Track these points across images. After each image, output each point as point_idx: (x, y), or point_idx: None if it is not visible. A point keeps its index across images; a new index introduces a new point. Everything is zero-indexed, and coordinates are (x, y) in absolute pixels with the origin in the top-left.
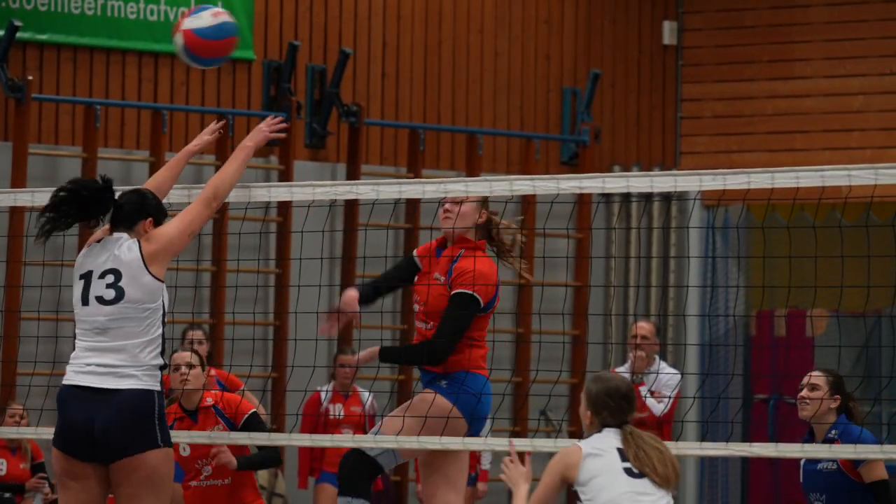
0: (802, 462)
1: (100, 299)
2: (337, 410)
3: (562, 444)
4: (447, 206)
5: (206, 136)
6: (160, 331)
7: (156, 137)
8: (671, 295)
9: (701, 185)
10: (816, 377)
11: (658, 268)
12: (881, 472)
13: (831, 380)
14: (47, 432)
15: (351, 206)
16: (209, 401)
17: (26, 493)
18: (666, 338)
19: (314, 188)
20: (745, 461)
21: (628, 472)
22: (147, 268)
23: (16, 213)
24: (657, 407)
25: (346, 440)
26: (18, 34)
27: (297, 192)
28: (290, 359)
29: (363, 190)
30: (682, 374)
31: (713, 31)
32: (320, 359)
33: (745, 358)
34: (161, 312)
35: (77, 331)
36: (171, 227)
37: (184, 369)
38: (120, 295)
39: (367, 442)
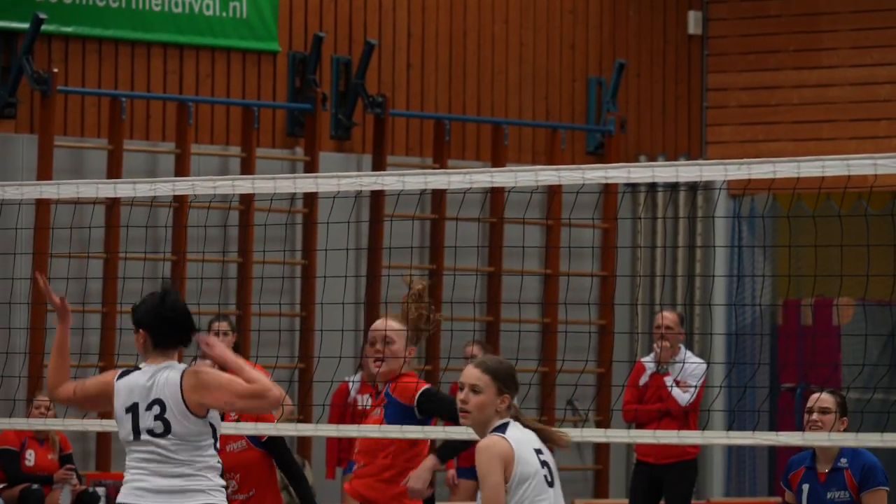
0: (805, 488)
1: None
2: (365, 401)
3: (588, 434)
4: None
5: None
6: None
7: (181, 129)
8: (697, 284)
9: (727, 175)
10: (826, 400)
11: (684, 257)
12: None
13: (839, 401)
14: (74, 424)
15: (377, 196)
16: None
17: (54, 485)
18: (692, 327)
19: (340, 179)
20: (773, 450)
21: (547, 481)
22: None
23: (42, 205)
24: (683, 397)
25: (372, 430)
26: (44, 27)
27: (322, 183)
28: (316, 349)
29: (389, 181)
30: (709, 363)
31: (738, 21)
32: (346, 349)
33: (771, 347)
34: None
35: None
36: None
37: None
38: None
39: (392, 433)
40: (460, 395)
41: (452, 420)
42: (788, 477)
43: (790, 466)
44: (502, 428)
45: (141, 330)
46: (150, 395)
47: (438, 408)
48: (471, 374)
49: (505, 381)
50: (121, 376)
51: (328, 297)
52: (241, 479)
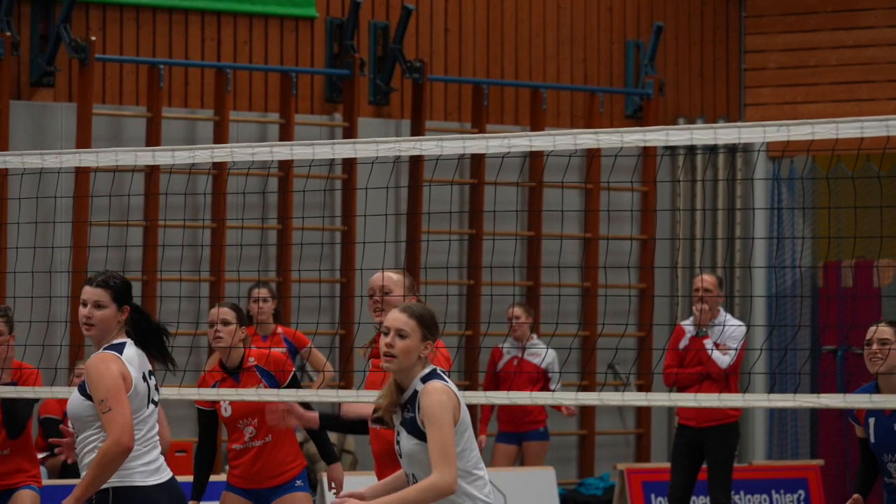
0: (872, 421)
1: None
2: None
3: (629, 398)
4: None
5: None
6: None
7: (220, 96)
8: (737, 247)
9: (765, 137)
10: (884, 331)
11: (724, 220)
12: None
13: None
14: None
15: (415, 161)
16: (251, 360)
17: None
18: (733, 290)
19: (378, 145)
20: (814, 412)
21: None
22: None
23: (81, 173)
24: (723, 359)
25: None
26: None
27: (361, 148)
28: (356, 315)
29: (427, 146)
30: (749, 325)
31: None
32: None
33: (812, 309)
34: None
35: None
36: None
37: (218, 326)
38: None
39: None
40: (385, 340)
41: None
42: (854, 412)
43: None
44: (433, 376)
45: (126, 306)
46: (146, 365)
47: None
48: (397, 318)
49: (429, 327)
50: (118, 353)
51: (368, 262)
52: (259, 425)
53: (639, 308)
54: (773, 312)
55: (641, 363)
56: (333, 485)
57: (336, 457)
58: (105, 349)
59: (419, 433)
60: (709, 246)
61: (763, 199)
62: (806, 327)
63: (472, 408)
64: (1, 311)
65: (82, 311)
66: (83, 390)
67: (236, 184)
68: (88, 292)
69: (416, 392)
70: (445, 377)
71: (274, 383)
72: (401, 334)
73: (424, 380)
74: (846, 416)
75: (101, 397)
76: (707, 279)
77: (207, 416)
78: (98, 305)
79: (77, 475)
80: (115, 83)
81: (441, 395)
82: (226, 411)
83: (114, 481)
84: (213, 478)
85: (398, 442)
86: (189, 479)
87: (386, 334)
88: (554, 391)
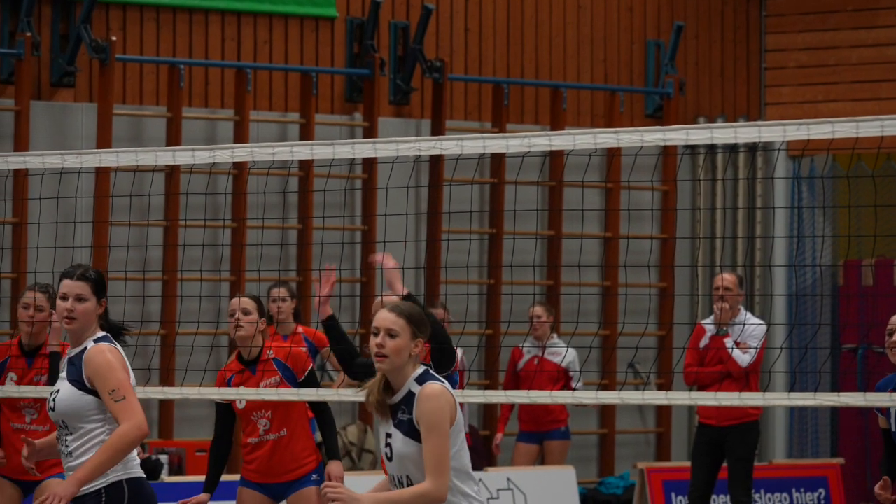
0: (893, 411)
1: None
2: None
3: (650, 397)
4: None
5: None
6: None
7: (240, 96)
8: (758, 246)
9: (785, 136)
10: None
11: (744, 219)
12: None
13: None
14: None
15: (436, 161)
16: (270, 353)
17: None
18: (753, 288)
19: (398, 144)
20: (835, 411)
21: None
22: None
23: (101, 173)
24: (743, 358)
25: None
26: None
27: (381, 148)
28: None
29: (448, 145)
30: (770, 324)
31: None
32: None
33: (832, 307)
34: None
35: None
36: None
37: (239, 315)
38: None
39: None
40: (376, 340)
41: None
42: None
43: (876, 390)
44: (427, 376)
45: (104, 300)
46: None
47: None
48: (386, 318)
49: (419, 325)
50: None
51: None
52: (273, 417)
53: (659, 307)
54: (793, 311)
55: (662, 362)
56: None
57: (338, 454)
58: (97, 342)
59: (416, 434)
60: (729, 245)
61: (783, 197)
62: (826, 326)
63: (492, 407)
64: (42, 287)
65: (62, 304)
66: (80, 385)
67: (256, 183)
68: (69, 285)
69: (410, 393)
70: (439, 377)
71: (291, 377)
72: (391, 334)
73: (420, 381)
74: (866, 415)
75: (111, 387)
76: (727, 278)
77: (224, 409)
78: (79, 299)
79: None
80: (135, 83)
81: (441, 401)
82: (240, 403)
83: (121, 473)
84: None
85: (388, 445)
86: None
87: (376, 335)
88: (575, 389)
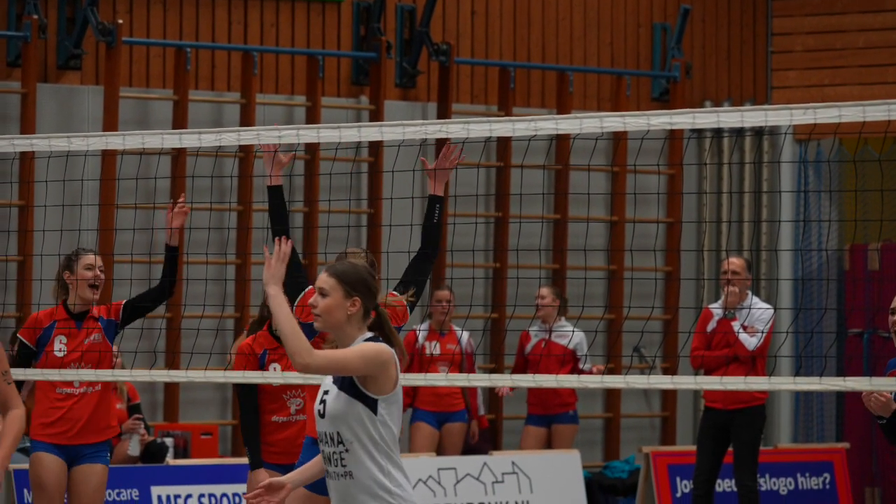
0: None
1: None
2: (433, 347)
3: (655, 381)
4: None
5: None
6: None
7: (246, 79)
8: (764, 230)
9: (792, 120)
10: None
11: (750, 203)
12: None
13: None
14: (142, 374)
15: (442, 144)
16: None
17: (122, 435)
18: (759, 273)
19: (405, 127)
20: (840, 395)
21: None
22: None
23: (108, 156)
24: (750, 341)
25: (439, 378)
26: None
27: (387, 131)
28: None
29: (454, 129)
30: (776, 308)
31: None
32: None
33: (838, 292)
34: None
35: None
36: None
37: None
38: None
39: (459, 381)
40: (311, 301)
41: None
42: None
43: (888, 368)
44: (374, 340)
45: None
46: None
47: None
48: (319, 278)
49: (353, 284)
50: None
51: (394, 245)
52: (308, 398)
53: (665, 291)
54: (799, 295)
55: (667, 346)
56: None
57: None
58: None
59: (351, 390)
60: (735, 229)
61: (790, 181)
62: (832, 310)
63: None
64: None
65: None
66: None
67: (262, 166)
68: None
69: None
70: (377, 340)
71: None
72: (322, 292)
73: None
74: None
75: (5, 368)
76: (735, 262)
77: (251, 386)
78: None
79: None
80: (141, 66)
81: (373, 346)
82: (274, 381)
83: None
84: (239, 460)
85: (323, 402)
86: (215, 461)
87: None
88: (583, 370)
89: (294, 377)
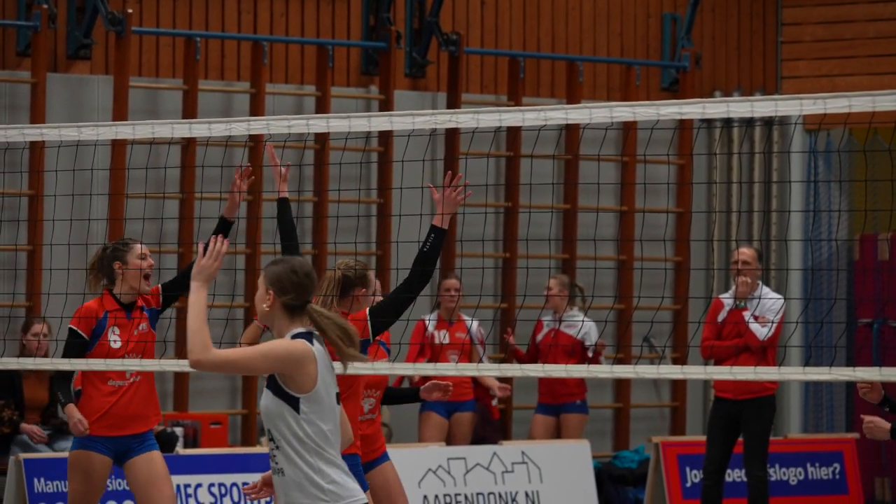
0: None
1: None
2: (442, 336)
3: (665, 371)
4: None
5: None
6: None
7: (256, 69)
8: (773, 220)
9: (802, 110)
10: None
11: (760, 193)
12: None
13: None
14: (151, 364)
15: (451, 134)
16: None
17: None
18: (769, 263)
19: (414, 117)
20: (850, 386)
21: (338, 397)
22: None
23: (117, 145)
24: (761, 331)
25: (449, 368)
26: None
27: (397, 121)
28: (392, 288)
29: (463, 119)
30: (785, 299)
31: None
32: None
33: (848, 282)
34: None
35: None
36: None
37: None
38: None
39: (469, 371)
40: None
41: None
42: None
43: None
44: (302, 336)
45: None
46: None
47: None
48: None
49: (271, 279)
50: None
51: (404, 235)
52: (378, 399)
53: (675, 281)
54: (808, 285)
55: (677, 336)
56: None
57: None
58: None
59: (275, 388)
60: (745, 219)
61: (799, 172)
62: (842, 300)
63: (506, 381)
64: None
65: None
66: None
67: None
68: None
69: None
70: (312, 340)
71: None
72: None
73: (293, 339)
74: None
75: None
76: (746, 252)
77: None
78: None
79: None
80: (151, 56)
81: (285, 343)
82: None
83: None
84: (249, 450)
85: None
86: (224, 451)
87: None
88: (590, 358)
89: (364, 368)
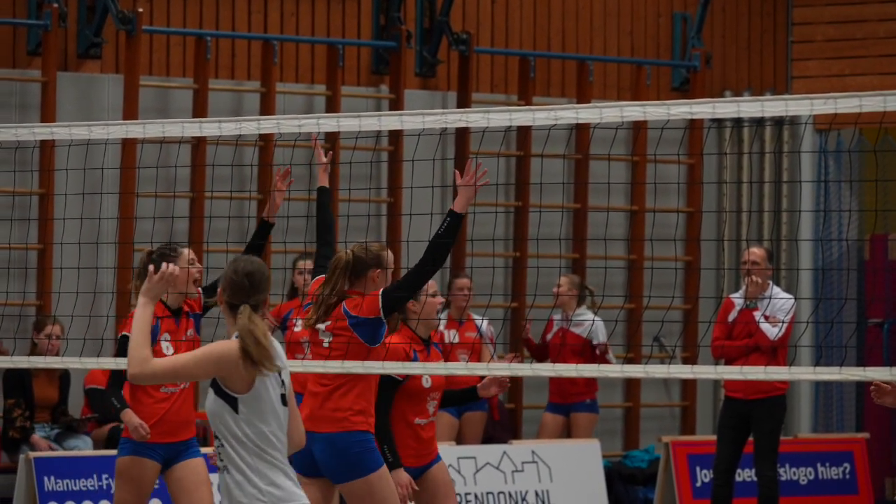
0: None
1: None
2: (452, 336)
3: (675, 370)
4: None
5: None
6: None
7: (266, 68)
8: (784, 220)
9: (812, 109)
10: None
11: (770, 193)
12: None
13: None
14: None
15: (462, 134)
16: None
17: None
18: (779, 263)
19: (424, 117)
20: (860, 385)
21: (282, 399)
22: None
23: (128, 144)
24: (772, 331)
25: (459, 367)
26: None
27: (407, 120)
28: None
29: (474, 118)
30: (796, 298)
31: None
32: None
33: (858, 282)
34: None
35: None
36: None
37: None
38: None
39: (479, 370)
40: None
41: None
42: None
43: None
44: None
45: None
46: None
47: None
48: None
49: (222, 278)
50: None
51: (414, 234)
52: (438, 401)
53: (685, 281)
54: (819, 285)
55: (687, 336)
56: None
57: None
58: None
59: (215, 387)
60: (755, 219)
61: (810, 171)
62: (852, 300)
63: (517, 380)
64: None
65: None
66: None
67: (282, 155)
68: None
69: None
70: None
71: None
72: None
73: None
74: None
75: None
76: (756, 252)
77: (395, 385)
78: None
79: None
80: (161, 55)
81: (216, 348)
82: (427, 382)
83: None
84: None
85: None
86: None
87: None
88: (598, 352)
89: (415, 367)
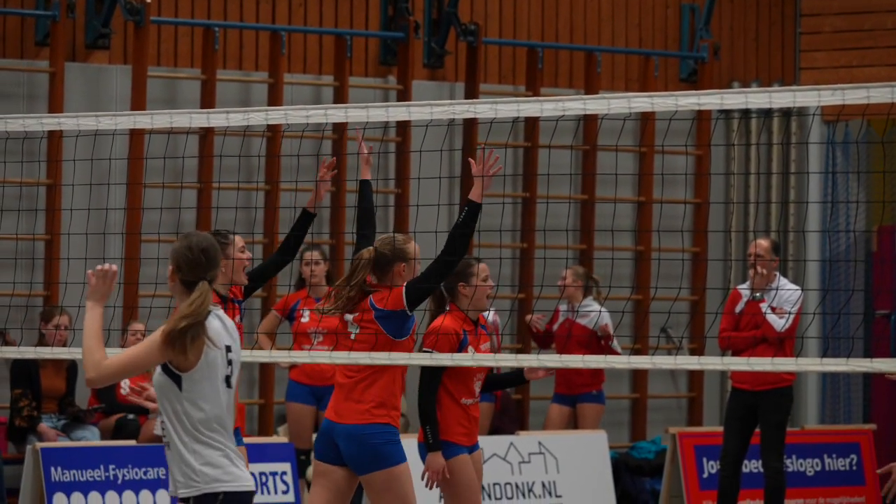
0: None
1: None
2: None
3: (682, 362)
4: None
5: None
6: None
7: (274, 59)
8: (791, 211)
9: (820, 101)
10: None
11: (778, 184)
12: None
13: None
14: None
15: (469, 124)
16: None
17: (150, 415)
18: (786, 254)
19: (432, 107)
20: (867, 377)
21: (227, 381)
22: None
23: (136, 135)
24: (778, 322)
25: (466, 359)
26: None
27: (415, 111)
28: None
29: (481, 109)
30: (803, 290)
31: None
32: None
33: (866, 273)
34: None
35: None
36: None
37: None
38: None
39: (486, 361)
40: None
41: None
42: None
43: None
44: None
45: None
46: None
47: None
48: None
49: (172, 255)
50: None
51: (421, 225)
52: (482, 382)
53: (692, 272)
54: (826, 276)
55: (694, 327)
56: None
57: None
58: None
59: (163, 365)
60: (763, 210)
61: (817, 162)
62: (859, 291)
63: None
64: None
65: None
66: None
67: (290, 146)
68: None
69: None
70: (216, 321)
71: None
72: None
73: None
74: None
75: None
76: (762, 244)
77: (443, 367)
78: None
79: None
80: (169, 45)
81: (157, 332)
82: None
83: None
84: (266, 439)
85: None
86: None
87: None
88: (611, 344)
89: (464, 358)
